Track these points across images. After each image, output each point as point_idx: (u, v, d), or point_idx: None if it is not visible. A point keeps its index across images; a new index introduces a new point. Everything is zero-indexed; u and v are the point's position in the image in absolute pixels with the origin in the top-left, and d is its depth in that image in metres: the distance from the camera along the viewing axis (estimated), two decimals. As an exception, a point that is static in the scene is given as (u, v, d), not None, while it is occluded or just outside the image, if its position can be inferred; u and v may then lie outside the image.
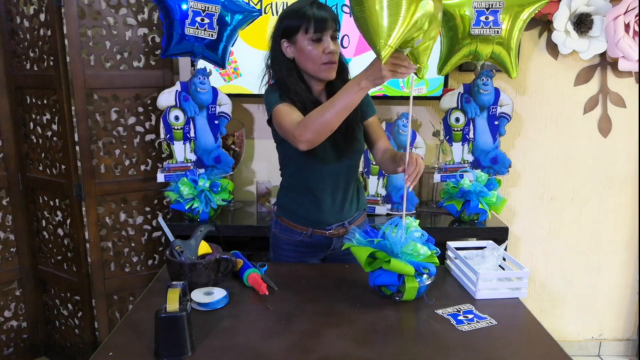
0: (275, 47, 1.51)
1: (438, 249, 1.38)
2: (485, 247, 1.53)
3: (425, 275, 1.32)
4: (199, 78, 2.07)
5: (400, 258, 1.29)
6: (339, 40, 1.54)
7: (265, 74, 1.59)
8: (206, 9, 1.95)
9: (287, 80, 1.49)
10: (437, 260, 1.36)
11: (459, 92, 2.17)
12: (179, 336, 1.07)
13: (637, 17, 2.22)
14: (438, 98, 2.25)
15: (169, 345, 1.07)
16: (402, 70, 1.23)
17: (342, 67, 1.56)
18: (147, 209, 2.36)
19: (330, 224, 1.61)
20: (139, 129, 2.28)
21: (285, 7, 1.55)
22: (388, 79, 1.24)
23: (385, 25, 1.14)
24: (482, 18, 1.97)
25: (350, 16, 2.20)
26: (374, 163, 2.22)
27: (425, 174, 2.38)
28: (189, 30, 1.96)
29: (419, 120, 2.42)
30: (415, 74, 1.30)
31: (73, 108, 2.13)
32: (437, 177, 2.23)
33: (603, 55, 2.35)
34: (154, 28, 2.21)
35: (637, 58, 2.26)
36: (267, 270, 1.49)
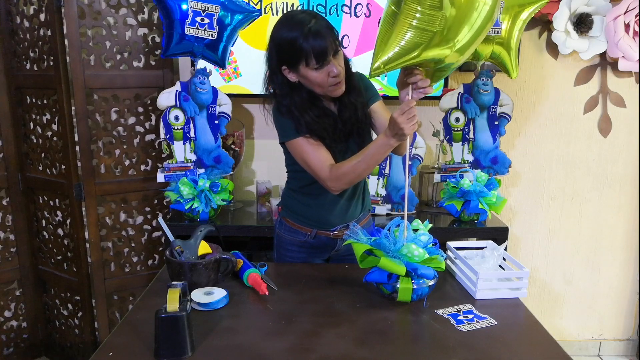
0: (276, 72, 1.44)
1: (443, 252, 1.36)
2: (485, 247, 1.53)
3: (424, 279, 1.29)
4: (199, 78, 2.08)
5: (395, 258, 1.28)
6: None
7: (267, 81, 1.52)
8: (206, 9, 1.95)
9: (297, 110, 1.45)
10: (442, 265, 1.32)
11: (459, 92, 2.17)
12: (179, 336, 1.07)
13: (637, 17, 2.22)
14: (438, 98, 2.25)
15: (169, 345, 1.07)
16: (414, 120, 1.34)
17: (347, 69, 1.49)
18: (147, 209, 2.36)
19: (335, 225, 1.61)
20: (139, 129, 2.28)
21: (283, 12, 1.51)
22: (409, 133, 1.34)
23: (392, 50, 1.20)
24: (482, 18, 1.97)
25: (351, 17, 2.21)
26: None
27: (425, 174, 2.39)
28: (189, 30, 1.96)
29: (419, 120, 2.42)
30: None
31: (73, 108, 2.13)
32: (437, 177, 2.23)
33: (603, 55, 2.35)
34: (154, 28, 2.21)
35: (637, 58, 2.26)
36: (267, 270, 1.49)
